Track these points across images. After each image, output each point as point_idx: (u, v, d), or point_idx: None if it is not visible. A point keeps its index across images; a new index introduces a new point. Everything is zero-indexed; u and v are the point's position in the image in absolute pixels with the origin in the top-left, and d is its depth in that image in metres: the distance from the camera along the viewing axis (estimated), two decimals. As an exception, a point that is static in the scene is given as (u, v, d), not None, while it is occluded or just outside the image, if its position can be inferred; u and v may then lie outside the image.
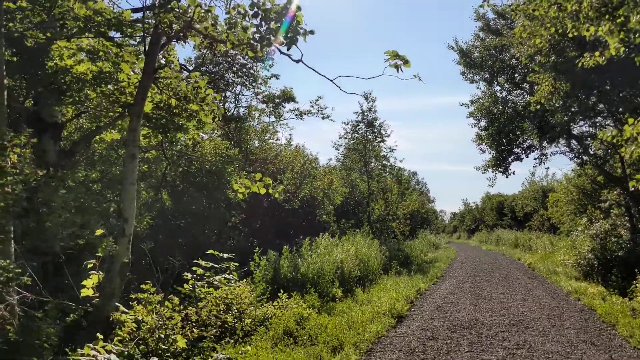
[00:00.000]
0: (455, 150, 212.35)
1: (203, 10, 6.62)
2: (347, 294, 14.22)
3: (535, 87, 26.60)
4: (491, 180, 27.64)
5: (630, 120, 7.98)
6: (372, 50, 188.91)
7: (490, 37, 26.94)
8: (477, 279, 18.79)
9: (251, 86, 33.38)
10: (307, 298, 12.00)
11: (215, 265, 10.18)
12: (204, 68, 30.98)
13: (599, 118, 23.03)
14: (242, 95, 34.06)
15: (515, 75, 26.99)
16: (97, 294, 7.17)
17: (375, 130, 37.16)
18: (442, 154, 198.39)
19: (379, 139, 37.45)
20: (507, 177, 26.76)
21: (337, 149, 38.23)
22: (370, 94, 36.56)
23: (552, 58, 17.43)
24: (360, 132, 37.21)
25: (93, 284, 7.11)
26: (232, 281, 10.22)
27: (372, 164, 37.88)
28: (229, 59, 32.30)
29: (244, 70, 33.11)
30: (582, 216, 26.42)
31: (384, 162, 38.36)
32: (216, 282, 9.98)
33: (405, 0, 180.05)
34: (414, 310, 12.08)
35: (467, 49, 27.28)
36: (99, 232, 7.05)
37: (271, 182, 7.52)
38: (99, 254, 7.03)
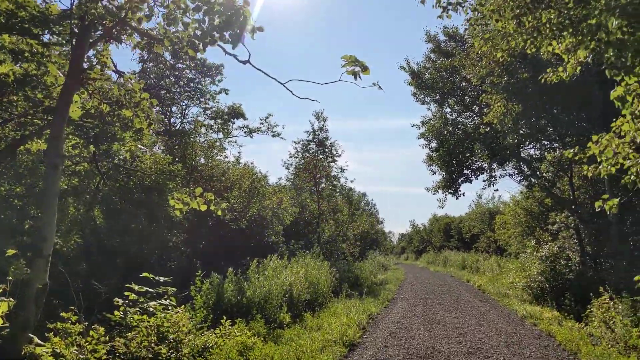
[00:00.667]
0: (405, 172, 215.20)
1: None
2: (295, 319, 13.46)
3: (485, 110, 26.82)
4: (441, 201, 27.52)
5: (595, 137, 7.63)
6: (319, 73, 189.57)
7: (441, 59, 27.01)
8: (428, 302, 18.33)
9: (198, 101, 32.54)
10: (253, 325, 11.18)
11: (151, 290, 9.27)
12: (149, 82, 29.99)
13: (546, 142, 23.26)
14: (189, 109, 33.20)
15: (466, 97, 27.09)
16: (7, 324, 6.20)
17: (326, 149, 36.76)
18: (392, 176, 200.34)
19: (330, 159, 37.04)
20: (457, 198, 26.68)
21: (287, 168, 37.49)
22: (321, 113, 36.22)
23: (505, 79, 17.37)
24: (311, 152, 36.72)
25: (2, 312, 6.14)
26: (170, 307, 9.32)
27: (323, 184, 37.33)
28: (176, 73, 31.43)
29: (192, 84, 32.28)
30: (529, 238, 26.52)
31: (334, 182, 37.94)
32: (151, 309, 9.07)
33: (357, 22, 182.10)
34: (367, 337, 11.40)
35: (418, 70, 27.23)
36: (10, 252, 6.12)
37: (213, 198, 6.73)
38: (10, 277, 6.08)
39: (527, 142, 21.81)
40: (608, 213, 7.47)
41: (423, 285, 26.85)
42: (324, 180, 37.32)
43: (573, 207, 21.03)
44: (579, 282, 15.94)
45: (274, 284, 13.26)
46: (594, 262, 18.52)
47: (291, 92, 6.81)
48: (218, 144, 21.73)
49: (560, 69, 8.10)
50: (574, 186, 20.77)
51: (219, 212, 6.94)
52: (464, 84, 26.82)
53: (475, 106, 26.99)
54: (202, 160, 20.96)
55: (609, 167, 7.14)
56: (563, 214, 23.18)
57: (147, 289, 9.26)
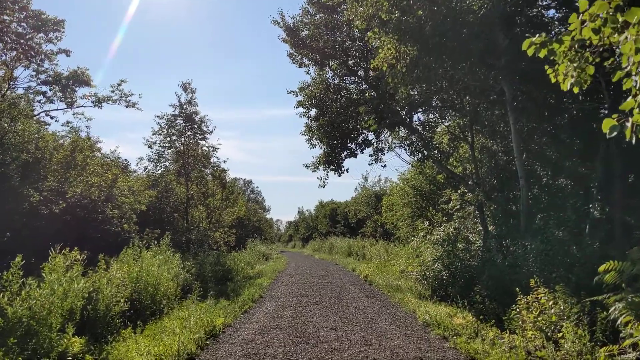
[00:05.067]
0: (294, 161, 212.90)
1: None
2: (97, 342, 8.89)
3: (371, 71, 23.28)
4: (322, 179, 23.60)
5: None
6: (199, 60, 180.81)
7: (320, 15, 23.01)
8: (303, 301, 14.33)
9: (29, 62, 26.45)
10: (-8, 369, 6.50)
11: None
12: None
13: (436, 102, 20.08)
14: (16, 71, 26.96)
15: (349, 60, 23.36)
16: None
17: (195, 125, 31.83)
18: (281, 165, 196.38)
19: (200, 136, 32.17)
20: (339, 175, 22.93)
21: (150, 146, 31.97)
22: (189, 84, 31.23)
23: (396, 15, 13.59)
24: (177, 128, 31.61)
25: None
26: None
27: (192, 165, 32.48)
28: (1, 25, 25.11)
29: (22, 41, 26.10)
30: (421, 220, 23.48)
31: (204, 162, 33.22)
32: None
33: (247, 12, 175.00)
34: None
35: (294, 25, 23.05)
36: None
37: None
38: None
39: (421, 100, 18.32)
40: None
41: (302, 277, 22.96)
42: (192, 160, 32.54)
43: (472, 181, 17.94)
44: (488, 271, 12.54)
45: (54, 293, 8.48)
46: (500, 245, 15.40)
47: None
48: (23, 103, 15.95)
49: None
50: (476, 157, 17.61)
51: None
52: (347, 43, 23.10)
53: (360, 70, 23.36)
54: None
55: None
56: (459, 191, 20.10)
57: None
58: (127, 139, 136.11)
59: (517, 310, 8.87)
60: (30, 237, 14.92)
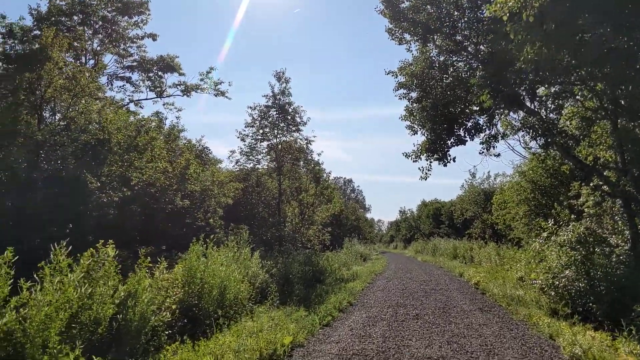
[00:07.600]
0: (397, 161, 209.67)
1: None
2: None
3: (483, 46, 20.21)
4: (424, 170, 20.53)
5: None
6: (303, 61, 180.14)
7: (423, -19, 20.04)
8: (400, 313, 11.62)
9: (110, 45, 25.59)
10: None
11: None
12: (53, 18, 23.14)
13: (564, 77, 16.52)
14: (103, 56, 26.19)
15: (456, 34, 20.23)
16: None
17: (289, 116, 29.83)
18: (383, 165, 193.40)
19: (293, 128, 30.17)
20: (445, 164, 19.80)
21: (243, 139, 30.33)
22: (283, 73, 29.32)
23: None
24: (270, 120, 29.78)
25: None
26: None
27: (286, 159, 30.61)
28: (88, 10, 24.40)
29: (106, 25, 25.31)
30: (542, 219, 19.93)
31: (298, 155, 31.17)
32: None
33: (345, 11, 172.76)
34: None
35: (394, -5, 20.26)
36: None
37: None
38: None
39: (546, 72, 14.92)
40: None
41: (402, 281, 20.14)
42: (287, 155, 30.68)
43: (614, 170, 14.38)
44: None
45: (51, 302, 6.29)
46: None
47: None
48: (88, 75, 14.27)
49: None
50: (622, 139, 14.03)
51: None
52: (455, 14, 19.98)
53: (470, 45, 20.17)
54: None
55: None
56: (592, 184, 16.47)
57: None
58: (229, 140, 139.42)
59: None
60: (93, 228, 13.27)
